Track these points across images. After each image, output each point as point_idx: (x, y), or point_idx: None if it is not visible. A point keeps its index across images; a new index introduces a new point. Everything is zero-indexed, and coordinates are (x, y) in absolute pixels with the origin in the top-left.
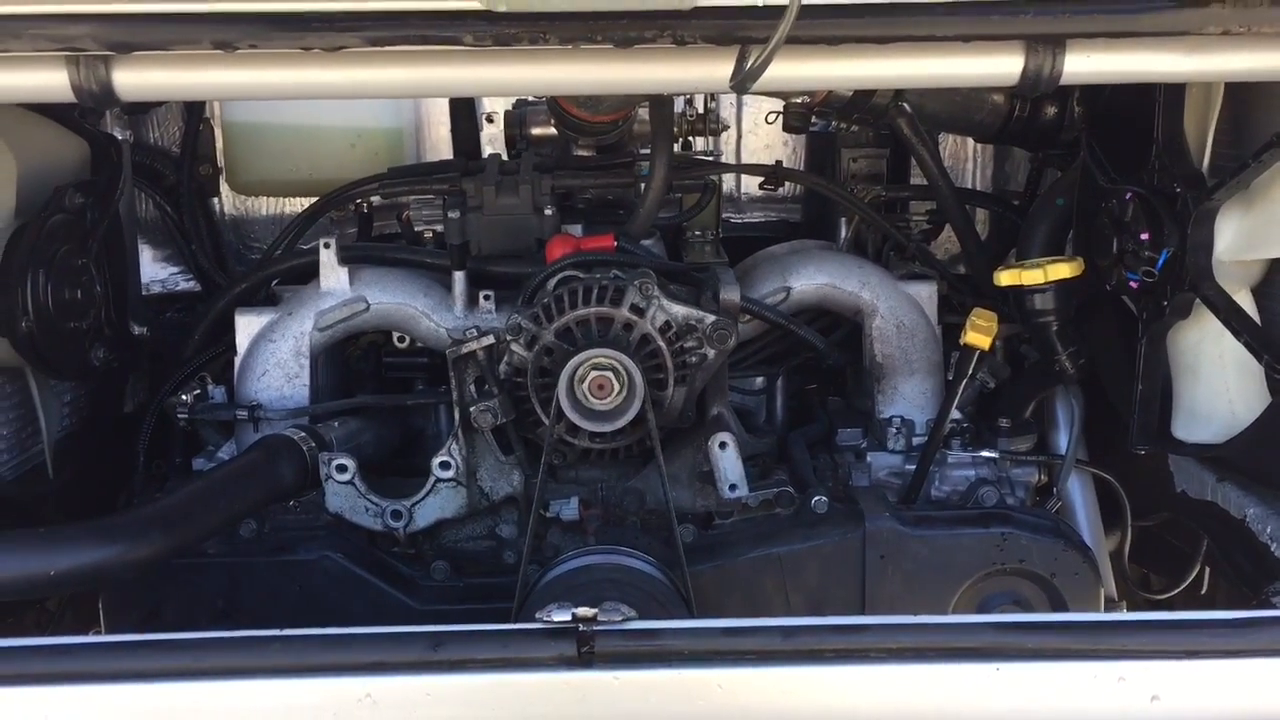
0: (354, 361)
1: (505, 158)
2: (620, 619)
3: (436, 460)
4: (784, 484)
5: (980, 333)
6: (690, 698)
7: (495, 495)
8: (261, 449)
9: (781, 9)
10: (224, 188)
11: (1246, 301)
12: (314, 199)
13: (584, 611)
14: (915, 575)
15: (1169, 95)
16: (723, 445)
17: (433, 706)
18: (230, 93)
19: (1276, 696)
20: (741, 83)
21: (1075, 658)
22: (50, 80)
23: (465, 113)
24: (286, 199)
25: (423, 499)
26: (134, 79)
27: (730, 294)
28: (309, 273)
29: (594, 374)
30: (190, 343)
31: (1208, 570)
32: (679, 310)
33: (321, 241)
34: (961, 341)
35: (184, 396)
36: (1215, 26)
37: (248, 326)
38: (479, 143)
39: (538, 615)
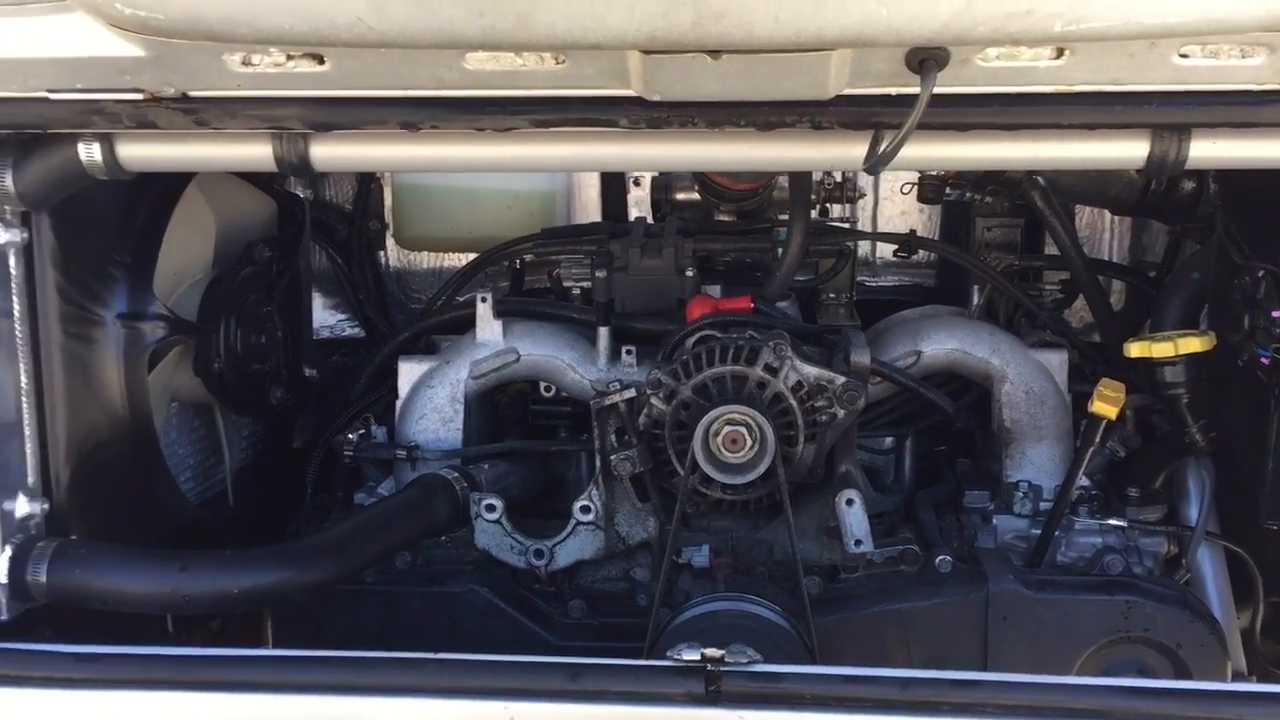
0: (502, 408)
1: (650, 221)
2: (746, 661)
3: (578, 504)
4: (909, 542)
5: (1107, 402)
6: None
7: (631, 540)
8: (418, 487)
9: (913, 98)
10: (390, 242)
11: None
12: (472, 254)
13: (712, 652)
14: (1037, 638)
15: None
16: (850, 502)
17: None
18: (411, 166)
19: None
20: (874, 165)
21: None
22: (257, 153)
23: (614, 179)
24: (446, 254)
25: (564, 540)
26: (329, 153)
27: (861, 357)
28: (466, 324)
29: (728, 429)
30: (356, 386)
31: None
32: (811, 371)
33: (479, 295)
34: (1089, 410)
35: (350, 436)
36: None
37: (409, 373)
38: (626, 206)
39: (669, 653)
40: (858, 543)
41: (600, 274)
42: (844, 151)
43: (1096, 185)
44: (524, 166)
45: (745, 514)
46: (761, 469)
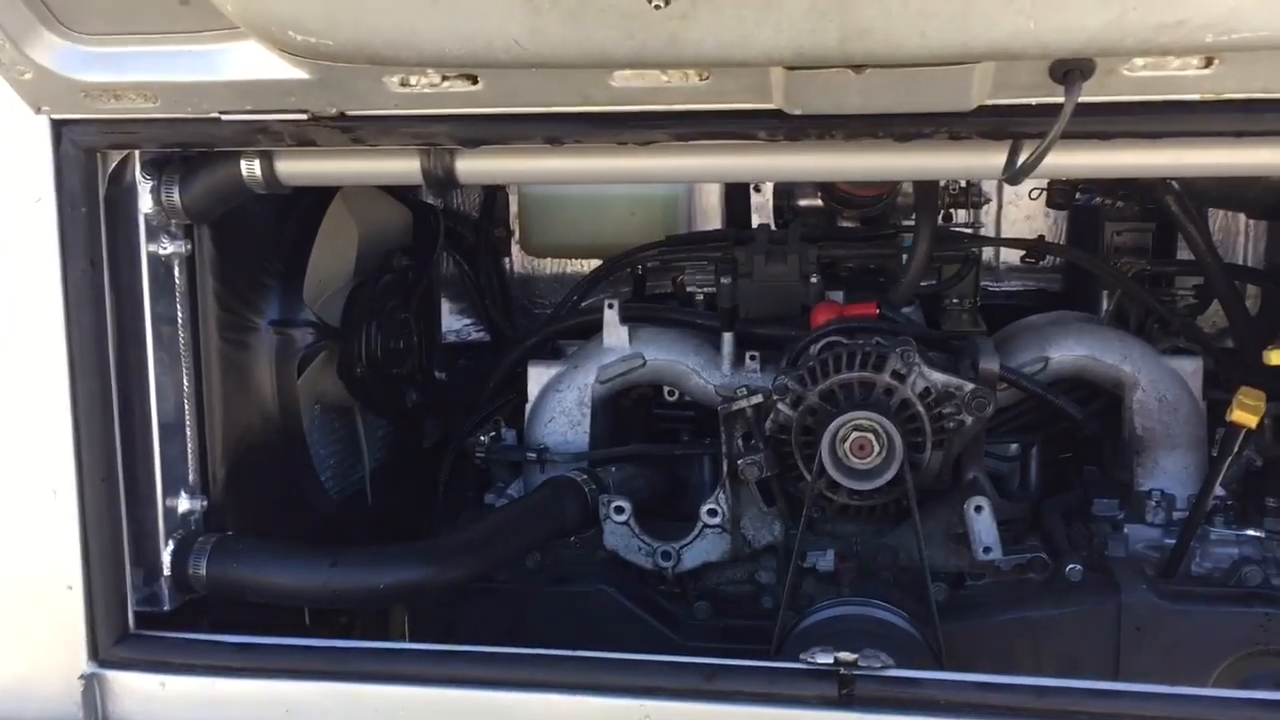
0: (626, 411)
1: (772, 227)
2: (880, 665)
3: (705, 508)
4: (1038, 550)
5: (1247, 411)
6: None
7: (757, 543)
8: (549, 488)
9: (1055, 107)
10: (515, 249)
11: None
12: (594, 260)
13: (846, 655)
14: (1172, 650)
15: None
16: (978, 509)
17: None
18: (551, 178)
19: None
20: (1015, 175)
21: None
22: (405, 167)
23: (738, 185)
24: (569, 260)
25: (690, 542)
26: (472, 167)
27: (989, 363)
28: (591, 329)
29: (856, 435)
30: (486, 389)
31: None
32: (938, 377)
33: (606, 301)
34: (1228, 419)
35: (481, 438)
36: None
37: (539, 377)
38: (749, 212)
39: (802, 656)
40: (986, 550)
41: (725, 280)
42: (981, 161)
43: (1233, 189)
44: (660, 178)
45: (871, 519)
46: (889, 475)
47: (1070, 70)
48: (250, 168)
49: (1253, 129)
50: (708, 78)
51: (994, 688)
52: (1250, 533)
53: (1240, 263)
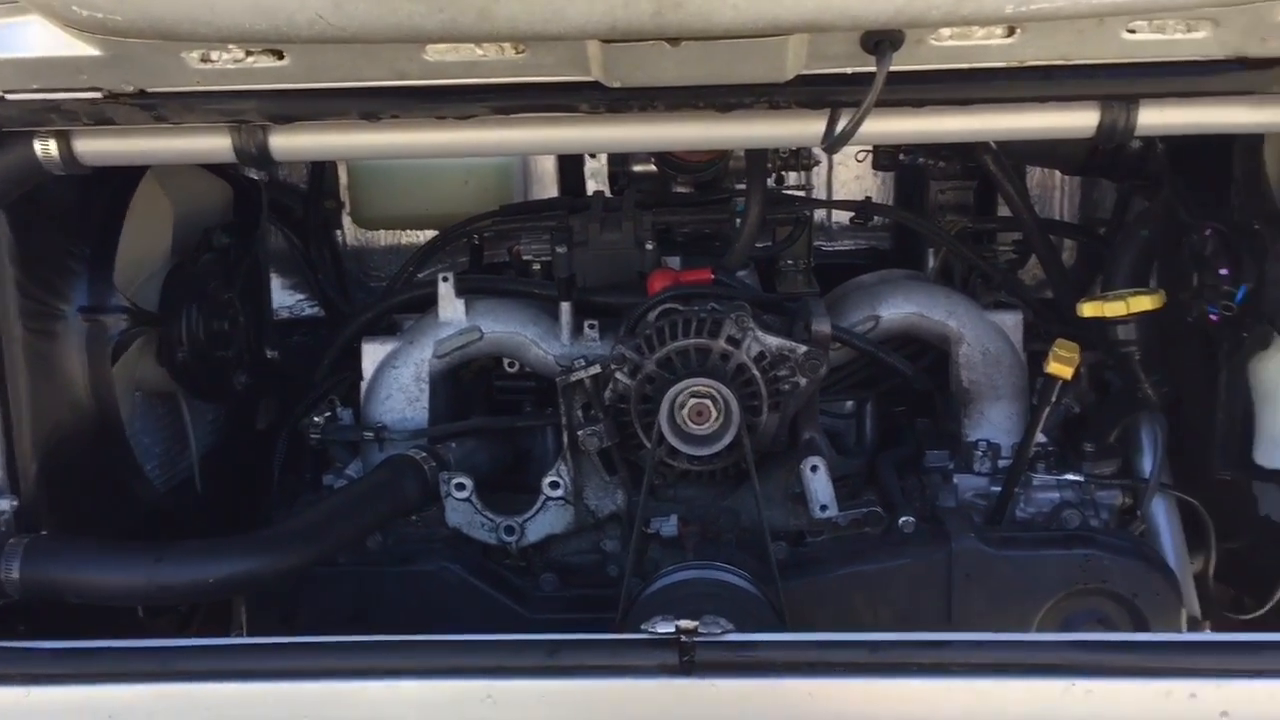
0: (466, 385)
1: (607, 194)
2: (720, 631)
3: (547, 480)
4: (873, 504)
5: (1062, 363)
6: (783, 706)
7: (600, 513)
8: (388, 468)
9: (869, 76)
10: (346, 221)
11: None
12: (429, 231)
13: (686, 624)
14: (999, 594)
15: (1248, 140)
16: (814, 468)
17: (548, 708)
18: (372, 154)
19: None
20: (833, 144)
21: (1149, 675)
22: (216, 145)
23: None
24: (403, 231)
25: (534, 516)
26: (288, 143)
27: (821, 325)
28: (427, 303)
29: (693, 401)
30: (320, 368)
31: None
32: (773, 341)
33: (440, 275)
34: (1045, 371)
35: (316, 419)
36: (1279, 86)
37: (373, 354)
38: (583, 179)
39: (643, 626)
40: (823, 508)
41: (561, 249)
42: (802, 129)
43: (1047, 146)
44: (485, 151)
45: (712, 483)
46: (727, 440)
47: (880, 41)
48: (45, 148)
49: (1053, 94)
50: (524, 51)
51: (830, 645)
52: (1069, 477)
53: (1056, 217)
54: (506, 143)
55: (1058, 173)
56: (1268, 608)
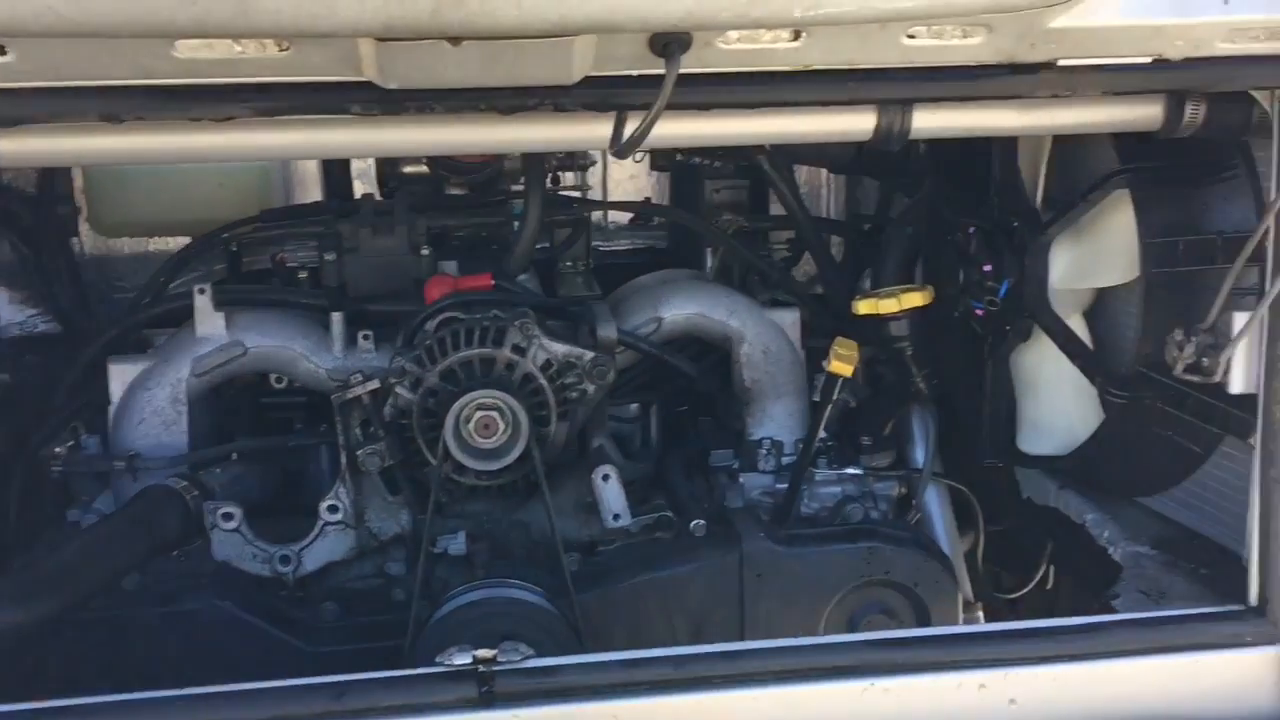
0: (229, 405)
1: (378, 196)
2: (519, 658)
3: (325, 504)
4: (663, 509)
5: (843, 361)
6: None
7: (383, 535)
8: (143, 501)
9: (656, 78)
10: (84, 227)
11: (1079, 326)
12: (182, 238)
13: (484, 653)
14: (790, 591)
15: (1004, 142)
16: (605, 477)
17: None
18: (115, 159)
19: (1119, 695)
20: (622, 149)
21: (941, 669)
22: None
23: None
24: (152, 237)
25: (311, 543)
26: (15, 147)
27: (607, 330)
28: (182, 316)
29: (480, 414)
30: (60, 391)
31: (1053, 569)
32: (559, 348)
33: (196, 287)
34: (826, 369)
35: (57, 449)
36: (1045, 90)
37: (122, 374)
38: (350, 182)
39: (438, 659)
40: (616, 517)
41: (330, 256)
42: (588, 133)
43: (816, 146)
44: (245, 156)
45: (501, 496)
46: (516, 453)
47: (669, 43)
48: None
49: (835, 98)
50: (288, 49)
51: (634, 664)
52: (850, 471)
53: (824, 215)
54: (269, 147)
55: (823, 172)
56: (1031, 585)
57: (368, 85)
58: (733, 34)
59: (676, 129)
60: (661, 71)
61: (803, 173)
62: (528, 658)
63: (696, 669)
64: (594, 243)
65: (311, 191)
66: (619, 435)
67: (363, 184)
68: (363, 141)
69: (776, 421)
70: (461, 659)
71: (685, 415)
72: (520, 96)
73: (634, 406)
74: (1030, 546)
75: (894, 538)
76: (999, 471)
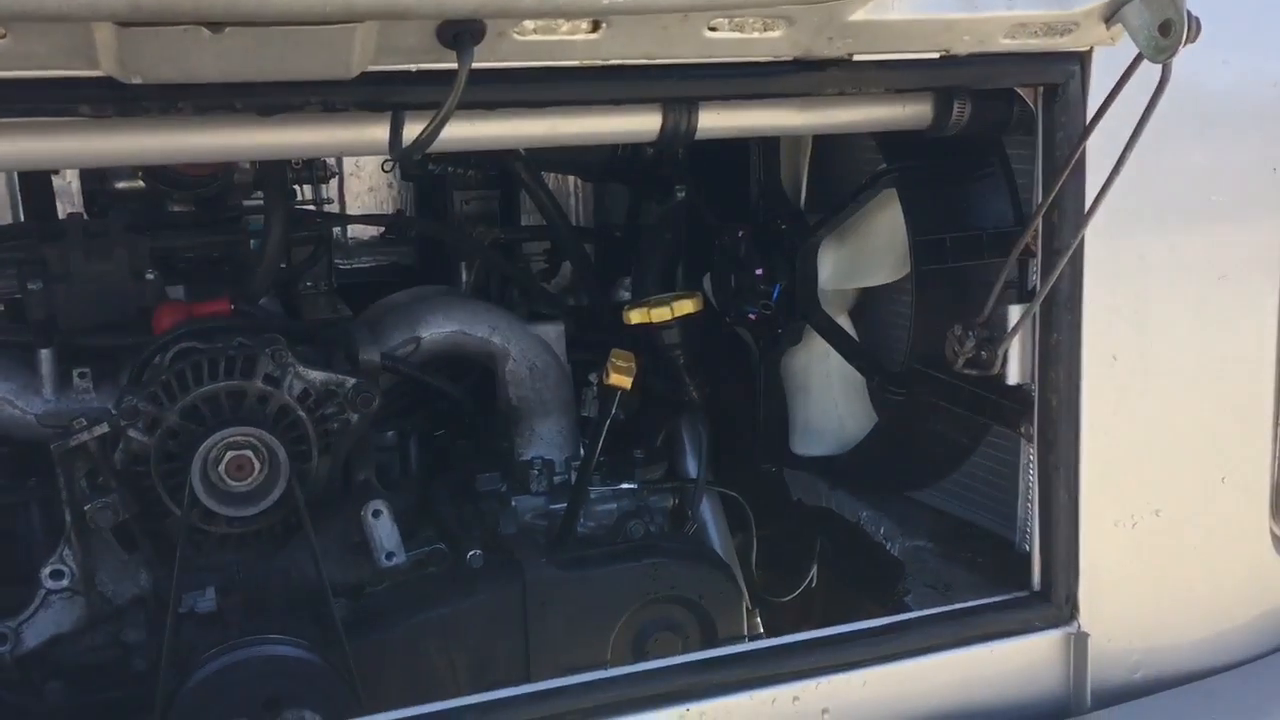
0: None
1: (85, 216)
2: None
3: (46, 570)
4: (434, 541)
5: (621, 374)
6: None
7: (119, 599)
8: None
9: (438, 74)
10: None
11: (847, 325)
12: None
13: None
14: (576, 616)
15: (765, 144)
16: (376, 513)
17: None
18: None
19: (925, 691)
20: (405, 152)
21: (755, 686)
22: None
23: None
24: None
25: (32, 615)
26: None
27: (370, 354)
28: None
29: (231, 454)
30: None
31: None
32: (317, 376)
33: None
34: (604, 382)
35: None
36: (832, 87)
37: None
38: (52, 199)
39: None
40: (389, 555)
41: (34, 285)
42: (360, 135)
43: (571, 152)
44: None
45: (256, 542)
46: (276, 494)
47: (460, 33)
48: None
49: (626, 95)
50: (4, 35)
51: (436, 715)
52: (625, 486)
53: (575, 222)
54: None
55: (571, 180)
56: (802, 588)
57: (103, 81)
58: (529, 24)
59: (458, 131)
60: (443, 66)
61: (550, 181)
62: None
63: (506, 713)
64: (335, 261)
65: (2, 213)
66: (378, 466)
67: (65, 203)
68: (94, 150)
69: (546, 440)
70: None
71: (443, 439)
72: (285, 94)
73: (389, 434)
74: (799, 548)
75: (678, 552)
76: (770, 475)
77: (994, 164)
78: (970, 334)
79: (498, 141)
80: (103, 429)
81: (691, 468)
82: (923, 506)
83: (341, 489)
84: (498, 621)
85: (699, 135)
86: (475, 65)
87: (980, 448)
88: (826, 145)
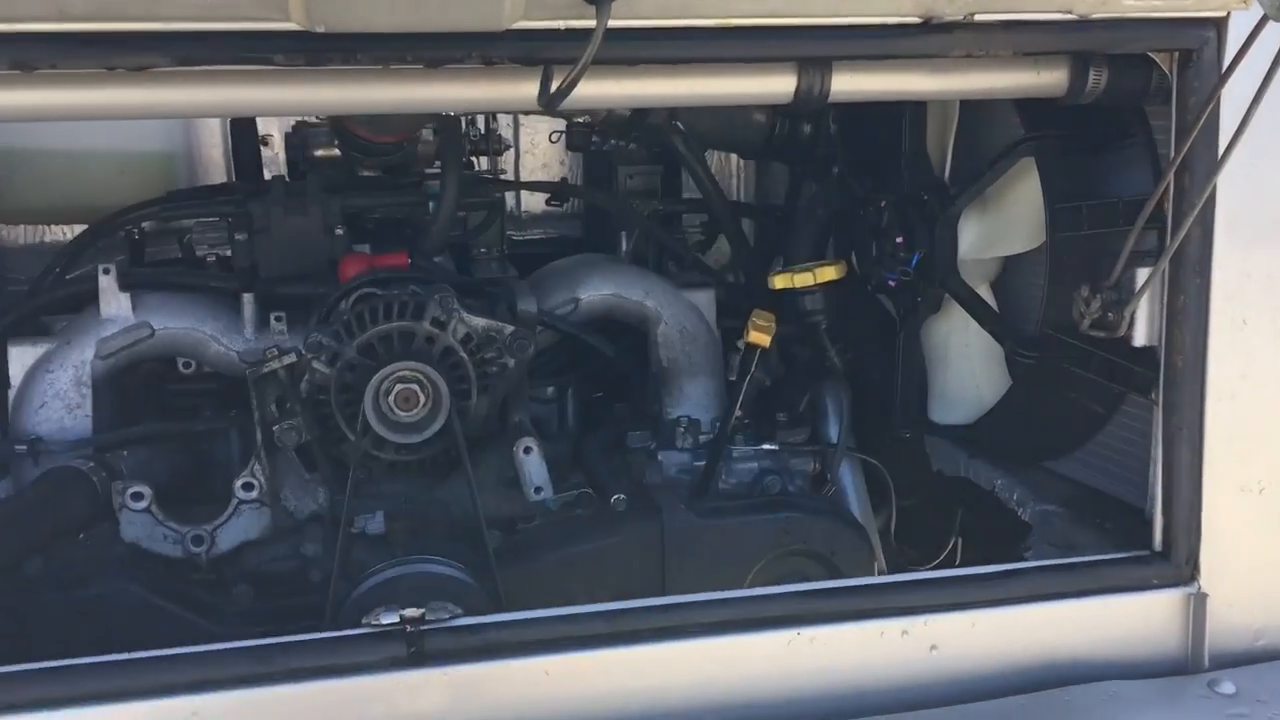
0: (134, 393)
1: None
2: (449, 616)
3: (239, 482)
4: (583, 486)
5: (761, 332)
6: (522, 686)
7: (300, 514)
8: (46, 482)
9: (585, 32)
10: None
11: (987, 295)
12: (80, 226)
13: (411, 612)
14: (710, 562)
15: (913, 114)
16: (527, 450)
17: (263, 718)
18: (21, 114)
19: (1034, 638)
20: (551, 100)
21: (864, 618)
22: None
23: (245, 135)
24: (50, 227)
25: (225, 522)
26: None
27: (527, 305)
28: (82, 301)
29: (400, 387)
30: None
31: (959, 542)
32: (479, 322)
33: (100, 267)
34: (745, 341)
35: None
36: (960, 49)
37: (22, 357)
38: (260, 167)
39: (365, 620)
40: (538, 490)
41: (240, 237)
42: (514, 90)
43: (728, 129)
44: (160, 112)
45: (420, 474)
46: (437, 425)
47: None
48: None
49: (758, 54)
50: None
51: (563, 620)
52: (766, 447)
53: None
54: (186, 103)
55: (734, 160)
56: (940, 558)
57: (294, 34)
58: None
59: (601, 89)
60: (588, 23)
61: (713, 162)
62: (456, 616)
63: (625, 623)
64: (508, 232)
65: (216, 178)
66: (535, 418)
67: (271, 171)
68: (284, 98)
69: (693, 400)
70: (389, 618)
71: (602, 402)
72: (448, 46)
73: (549, 389)
74: (939, 520)
75: (811, 508)
76: (910, 446)
77: (1136, 134)
78: (1098, 295)
79: (638, 99)
80: (291, 359)
81: (833, 433)
82: (1056, 474)
83: (498, 429)
84: (637, 562)
85: (832, 98)
86: (613, 23)
87: (1116, 417)
88: (972, 119)
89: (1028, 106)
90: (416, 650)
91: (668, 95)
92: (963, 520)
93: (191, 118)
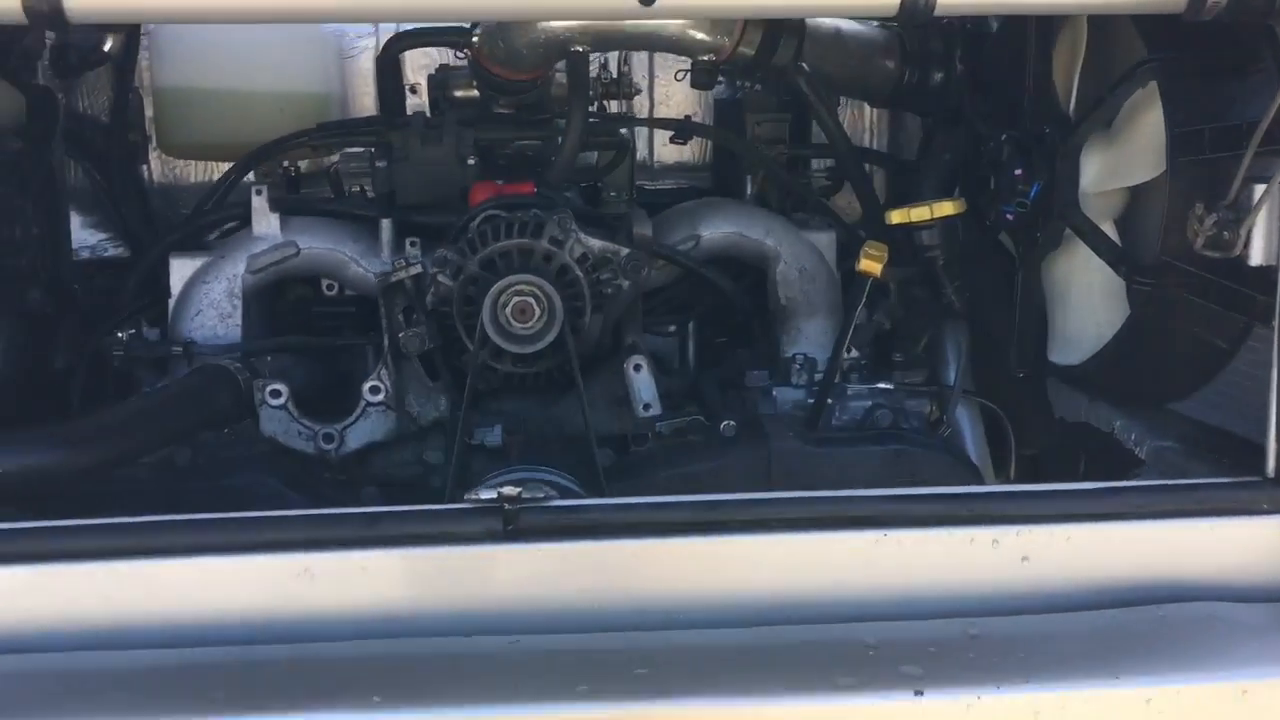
0: (283, 315)
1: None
2: (543, 496)
3: (367, 385)
4: (695, 414)
5: (872, 260)
6: (609, 567)
7: (423, 419)
8: (198, 374)
9: None
10: (154, 157)
11: (1111, 232)
12: None
13: (509, 490)
14: (817, 488)
15: (1039, 44)
16: (637, 367)
17: (367, 579)
18: (183, 15)
19: (1133, 557)
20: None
21: (955, 524)
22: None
23: (391, 73)
24: (215, 166)
25: (354, 422)
26: (88, 3)
27: (643, 228)
28: (241, 224)
29: (516, 299)
30: (125, 292)
31: None
32: (596, 243)
33: (254, 188)
34: (856, 269)
35: (120, 335)
36: None
37: (182, 269)
38: (404, 101)
39: (466, 495)
40: (646, 406)
41: (380, 164)
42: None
43: (856, 74)
44: (300, 16)
45: (536, 390)
46: (550, 337)
47: None
48: None
49: None
50: None
51: (655, 507)
52: (881, 385)
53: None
54: (345, 8)
55: (867, 113)
56: None
57: None
58: None
59: None
60: None
61: (846, 116)
62: (551, 497)
63: (718, 514)
64: (638, 180)
65: (370, 109)
66: (656, 352)
67: (412, 109)
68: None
69: (810, 339)
70: (488, 494)
71: (724, 345)
72: None
73: (671, 326)
74: (1062, 470)
75: (922, 442)
76: (1031, 390)
77: (1265, 57)
78: (1213, 214)
79: (742, 9)
80: (417, 269)
81: (950, 376)
82: (1180, 416)
83: (611, 350)
84: (744, 486)
85: (939, 11)
86: None
87: (1241, 353)
88: (1099, 51)
89: (1153, 31)
90: (512, 527)
91: (777, 6)
92: (1086, 468)
93: (327, 21)
